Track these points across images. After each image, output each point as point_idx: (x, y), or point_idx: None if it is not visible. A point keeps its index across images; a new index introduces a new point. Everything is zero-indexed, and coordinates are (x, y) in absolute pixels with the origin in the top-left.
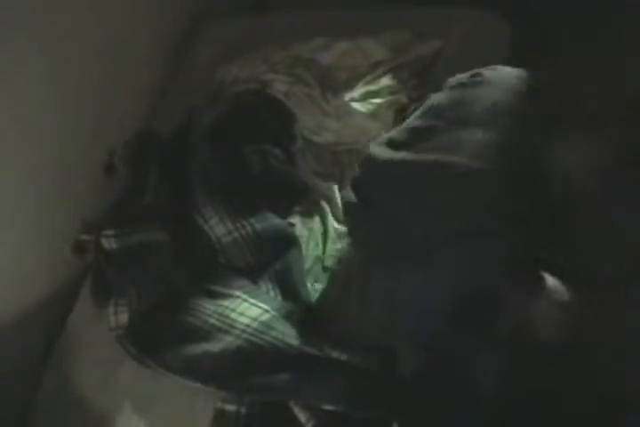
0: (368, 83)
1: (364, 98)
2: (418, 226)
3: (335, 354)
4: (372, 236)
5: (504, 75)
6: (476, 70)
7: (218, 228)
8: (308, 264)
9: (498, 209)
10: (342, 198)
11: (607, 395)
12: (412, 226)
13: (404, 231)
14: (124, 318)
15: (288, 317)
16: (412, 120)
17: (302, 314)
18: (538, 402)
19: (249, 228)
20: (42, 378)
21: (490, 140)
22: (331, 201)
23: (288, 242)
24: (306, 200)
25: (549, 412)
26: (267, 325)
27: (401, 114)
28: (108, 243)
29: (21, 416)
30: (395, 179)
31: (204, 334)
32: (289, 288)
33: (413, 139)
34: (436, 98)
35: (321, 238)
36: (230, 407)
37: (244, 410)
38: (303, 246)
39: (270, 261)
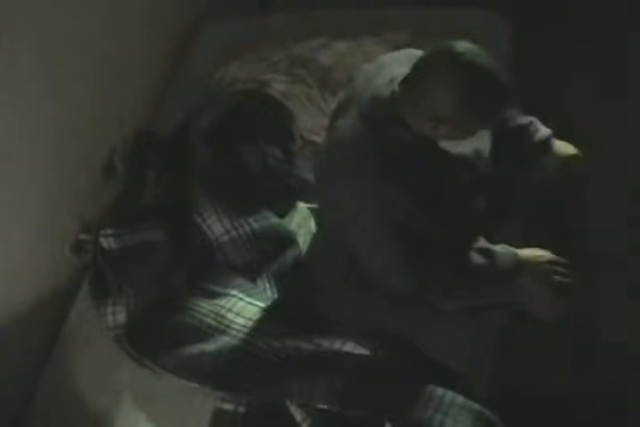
0: None
1: None
2: None
3: (337, 345)
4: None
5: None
6: None
7: (216, 227)
8: None
9: None
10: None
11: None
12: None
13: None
14: (121, 317)
15: (284, 314)
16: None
17: (299, 309)
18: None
19: (247, 227)
20: (41, 377)
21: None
22: None
23: (286, 241)
24: (304, 199)
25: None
26: (262, 324)
27: None
28: (107, 242)
29: (20, 415)
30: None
31: (201, 334)
32: (286, 286)
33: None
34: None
35: None
36: (228, 406)
37: (242, 409)
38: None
39: (268, 259)
